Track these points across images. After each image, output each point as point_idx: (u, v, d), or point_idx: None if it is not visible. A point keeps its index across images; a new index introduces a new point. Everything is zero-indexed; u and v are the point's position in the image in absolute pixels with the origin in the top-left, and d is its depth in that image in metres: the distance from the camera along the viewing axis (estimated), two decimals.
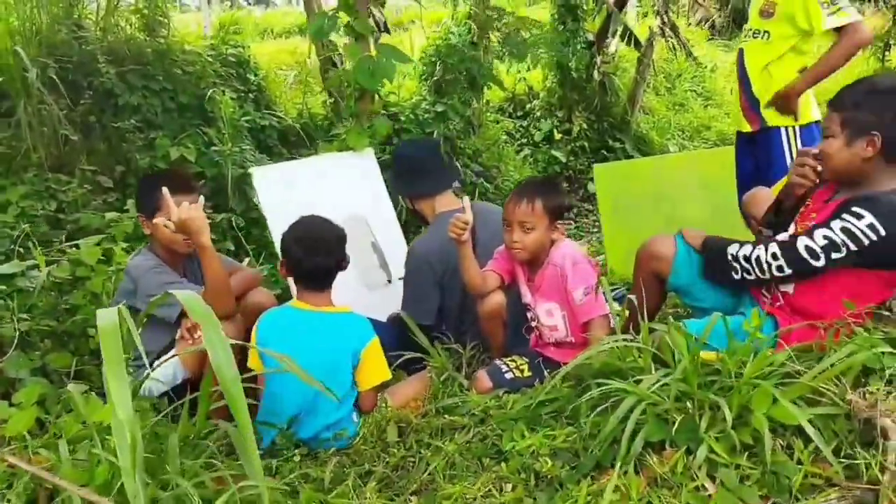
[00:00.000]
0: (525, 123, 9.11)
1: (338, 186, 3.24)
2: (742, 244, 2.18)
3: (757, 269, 2.10)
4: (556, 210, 2.39)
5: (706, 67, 11.15)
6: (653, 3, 8.78)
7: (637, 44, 8.57)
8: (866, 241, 1.93)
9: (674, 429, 1.66)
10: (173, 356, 2.23)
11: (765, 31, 3.16)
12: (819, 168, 2.15)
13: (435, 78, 7.64)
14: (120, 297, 2.47)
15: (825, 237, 1.97)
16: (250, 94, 6.89)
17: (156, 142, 5.70)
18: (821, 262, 2.01)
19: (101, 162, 5.56)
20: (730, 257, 2.17)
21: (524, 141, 9.05)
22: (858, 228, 1.93)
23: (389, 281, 3.20)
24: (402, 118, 7.44)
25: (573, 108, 8.77)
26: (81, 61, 5.58)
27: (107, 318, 1.21)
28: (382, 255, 3.25)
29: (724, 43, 15.13)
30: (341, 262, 2.47)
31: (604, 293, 2.66)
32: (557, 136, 8.67)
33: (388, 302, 2.93)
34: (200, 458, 1.71)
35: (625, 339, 1.90)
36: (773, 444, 1.64)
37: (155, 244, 2.54)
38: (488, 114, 8.97)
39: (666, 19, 8.59)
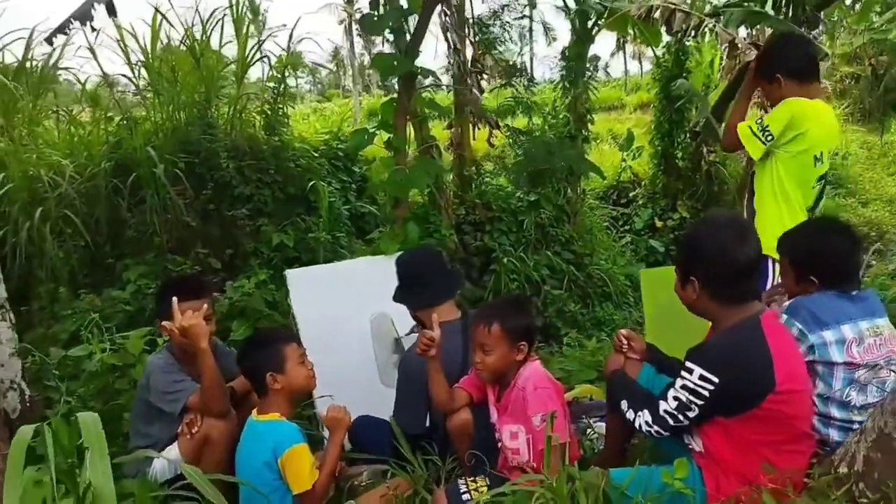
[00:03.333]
0: (628, 211, 9.07)
1: (367, 288, 3.47)
2: (630, 404, 2.15)
3: (642, 432, 2.09)
4: (517, 332, 2.40)
5: (838, 154, 10.50)
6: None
7: (717, 137, 8.37)
8: (706, 393, 1.88)
9: None
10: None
11: None
12: (625, 344, 2.40)
13: (530, 169, 7.88)
14: (139, 391, 2.86)
15: (675, 398, 1.94)
16: (354, 185, 7.47)
17: (261, 228, 6.35)
18: (683, 423, 1.98)
19: (214, 245, 6.26)
20: (623, 411, 2.17)
21: (626, 228, 9.00)
22: (693, 383, 1.91)
23: None
24: (495, 207, 7.75)
25: (678, 197, 8.63)
26: (207, 156, 6.36)
27: (22, 434, 1.51)
28: (404, 353, 3.44)
29: (875, 127, 14.10)
30: (255, 371, 2.60)
31: (579, 418, 2.68)
32: (659, 224, 8.54)
33: None
34: None
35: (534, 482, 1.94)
36: None
37: (172, 343, 2.91)
38: (590, 201, 9.05)
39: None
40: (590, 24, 7.83)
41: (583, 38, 7.83)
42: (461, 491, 2.43)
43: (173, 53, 6.90)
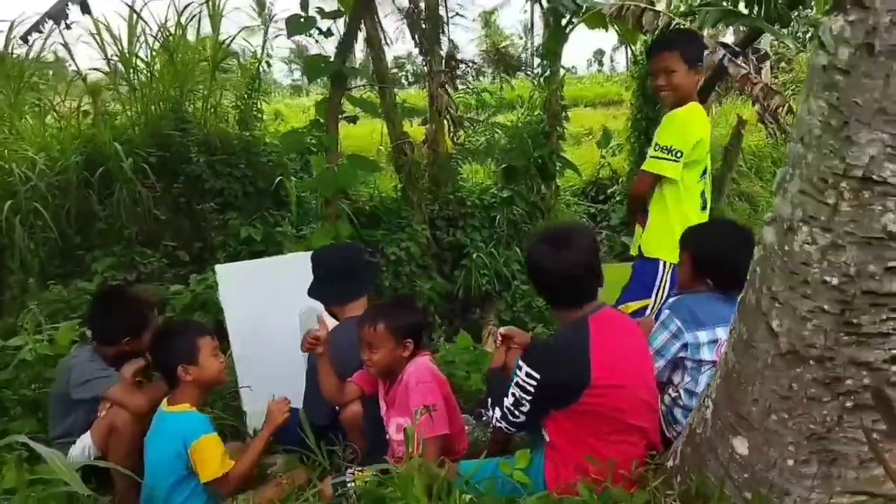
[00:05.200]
0: (605, 208, 9.12)
1: (296, 283, 3.54)
2: (492, 402, 2.23)
3: (498, 427, 2.18)
4: (402, 330, 2.51)
5: None
6: (742, 92, 8.31)
7: None
8: (531, 388, 1.99)
9: None
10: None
11: None
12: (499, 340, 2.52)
13: (504, 165, 7.96)
14: (56, 384, 2.98)
15: (512, 394, 2.04)
16: None
17: (230, 222, 6.47)
18: (521, 419, 2.06)
19: (183, 238, 6.39)
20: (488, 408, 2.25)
21: (604, 224, 9.05)
22: (522, 379, 2.01)
23: None
24: (468, 203, 7.82)
25: None
26: (179, 150, 6.48)
27: None
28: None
29: None
30: (154, 362, 2.76)
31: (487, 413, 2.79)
32: None
33: None
34: None
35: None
36: None
37: (98, 348, 2.97)
38: (567, 197, 9.11)
39: (771, 104, 8.26)
40: (564, 21, 7.86)
41: (557, 35, 7.86)
42: (347, 480, 2.53)
43: (150, 48, 7.02)
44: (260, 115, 7.40)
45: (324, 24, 4.51)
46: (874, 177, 1.33)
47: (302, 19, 4.20)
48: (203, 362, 2.67)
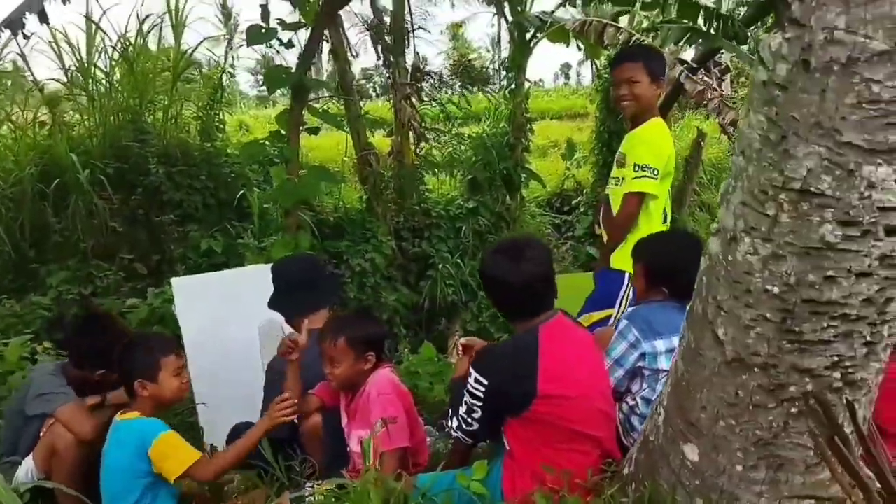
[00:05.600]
0: (570, 219, 9.22)
1: (256, 295, 3.50)
2: (451, 412, 2.23)
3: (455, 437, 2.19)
4: (363, 344, 2.47)
5: None
6: (699, 106, 8.51)
7: None
8: (480, 395, 2.00)
9: None
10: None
11: (621, 178, 3.25)
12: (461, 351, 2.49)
13: (470, 176, 8.00)
14: (13, 401, 2.89)
15: (465, 402, 2.06)
16: None
17: (190, 234, 6.38)
18: (474, 427, 2.08)
19: (141, 251, 6.28)
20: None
21: (569, 235, 9.14)
22: (472, 386, 2.02)
23: None
24: (434, 214, 7.84)
25: None
26: (138, 161, 6.36)
27: None
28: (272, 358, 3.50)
29: None
30: (117, 371, 2.65)
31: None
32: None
33: None
34: None
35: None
36: None
37: (68, 367, 2.91)
38: (532, 208, 9.18)
39: (727, 117, 8.48)
40: (528, 35, 7.96)
41: (521, 49, 7.96)
42: (306, 495, 2.50)
43: (109, 59, 6.91)
44: (222, 126, 7.32)
45: (286, 35, 4.52)
46: (812, 189, 1.37)
47: (263, 30, 4.18)
48: (162, 381, 2.59)
